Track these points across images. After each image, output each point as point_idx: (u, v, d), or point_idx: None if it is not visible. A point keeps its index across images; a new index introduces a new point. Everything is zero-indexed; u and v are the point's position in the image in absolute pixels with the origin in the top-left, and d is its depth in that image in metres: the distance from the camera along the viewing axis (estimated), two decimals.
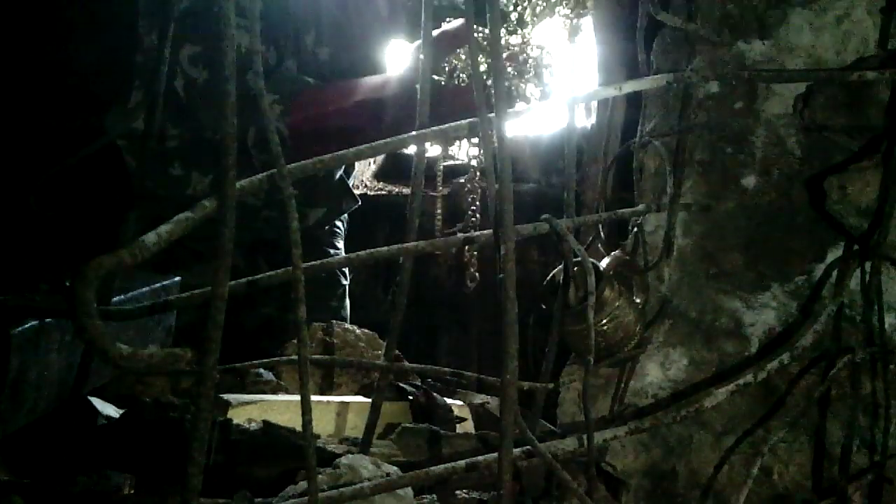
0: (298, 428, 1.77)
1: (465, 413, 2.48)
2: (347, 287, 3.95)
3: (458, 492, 1.81)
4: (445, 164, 5.44)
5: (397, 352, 1.97)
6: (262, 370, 2.59)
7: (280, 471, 1.77)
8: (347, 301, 3.95)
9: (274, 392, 2.55)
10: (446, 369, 2.22)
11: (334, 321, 3.23)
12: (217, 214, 0.96)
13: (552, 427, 2.10)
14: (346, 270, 3.94)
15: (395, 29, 3.47)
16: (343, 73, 3.20)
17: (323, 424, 2.22)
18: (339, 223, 3.92)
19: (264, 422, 1.93)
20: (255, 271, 1.48)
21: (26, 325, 1.80)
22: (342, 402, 2.34)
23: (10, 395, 1.77)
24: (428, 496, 1.75)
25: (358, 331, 3.19)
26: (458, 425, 2.40)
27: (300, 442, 1.66)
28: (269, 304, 3.47)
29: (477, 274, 4.23)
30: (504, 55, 3.05)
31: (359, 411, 2.26)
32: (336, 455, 1.75)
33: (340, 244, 3.95)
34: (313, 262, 1.53)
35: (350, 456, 1.69)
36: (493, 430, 2.19)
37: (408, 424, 2.14)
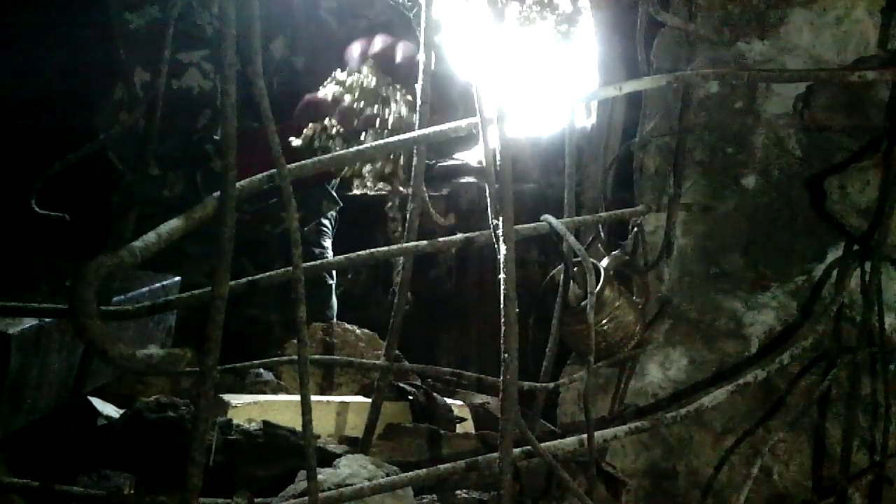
0: (298, 428, 1.77)
1: (465, 413, 2.48)
2: (333, 286, 3.98)
3: (458, 492, 1.81)
4: (445, 164, 5.43)
5: (397, 352, 1.97)
6: (261, 370, 2.59)
7: (280, 471, 1.77)
8: (334, 300, 3.98)
9: (274, 392, 2.55)
10: (446, 369, 2.22)
11: (334, 321, 3.24)
12: (216, 214, 0.96)
13: (552, 427, 2.11)
14: (334, 271, 3.96)
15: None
16: (318, 84, 3.23)
17: (323, 424, 2.22)
18: (325, 222, 3.95)
19: (264, 422, 1.92)
20: (239, 271, 1.48)
21: (26, 326, 1.80)
22: (342, 402, 2.34)
23: (9, 396, 1.76)
24: (428, 496, 1.75)
25: (358, 331, 3.20)
26: (458, 425, 2.40)
27: (300, 442, 1.66)
28: (253, 305, 3.48)
29: None
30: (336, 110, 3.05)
31: (359, 411, 2.26)
32: (336, 455, 1.75)
33: (327, 243, 3.97)
34: (313, 263, 1.53)
35: (350, 456, 1.69)
36: (493, 430, 2.19)
37: (408, 424, 2.14)
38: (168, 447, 1.82)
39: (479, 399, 2.65)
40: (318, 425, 2.10)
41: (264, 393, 2.50)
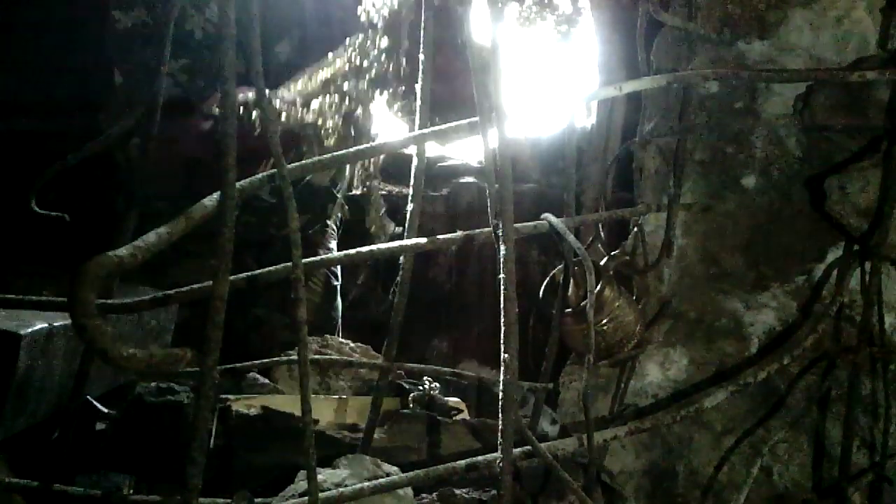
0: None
1: (462, 406, 2.48)
2: (339, 288, 4.01)
3: (458, 491, 1.81)
4: (445, 164, 5.44)
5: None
6: (258, 374, 2.60)
7: (278, 458, 1.76)
8: (339, 301, 4.01)
9: (270, 395, 2.55)
10: (446, 369, 2.22)
11: (328, 335, 3.26)
12: (217, 214, 0.96)
13: None
14: (339, 272, 4.01)
15: None
16: None
17: (323, 415, 2.23)
18: (331, 223, 4.00)
19: (263, 407, 1.92)
20: (244, 271, 1.48)
21: (36, 328, 1.81)
22: (340, 399, 2.36)
23: (14, 397, 1.77)
24: (428, 496, 1.75)
25: (352, 344, 3.22)
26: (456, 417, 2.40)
27: (299, 425, 1.66)
28: (259, 305, 3.50)
29: None
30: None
31: (356, 406, 2.27)
32: (335, 440, 1.75)
33: (333, 244, 4.01)
34: (312, 259, 1.53)
35: (350, 456, 1.69)
36: (493, 412, 2.18)
37: (405, 411, 2.14)
38: (168, 430, 1.84)
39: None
40: (318, 415, 2.11)
41: (261, 395, 2.50)
